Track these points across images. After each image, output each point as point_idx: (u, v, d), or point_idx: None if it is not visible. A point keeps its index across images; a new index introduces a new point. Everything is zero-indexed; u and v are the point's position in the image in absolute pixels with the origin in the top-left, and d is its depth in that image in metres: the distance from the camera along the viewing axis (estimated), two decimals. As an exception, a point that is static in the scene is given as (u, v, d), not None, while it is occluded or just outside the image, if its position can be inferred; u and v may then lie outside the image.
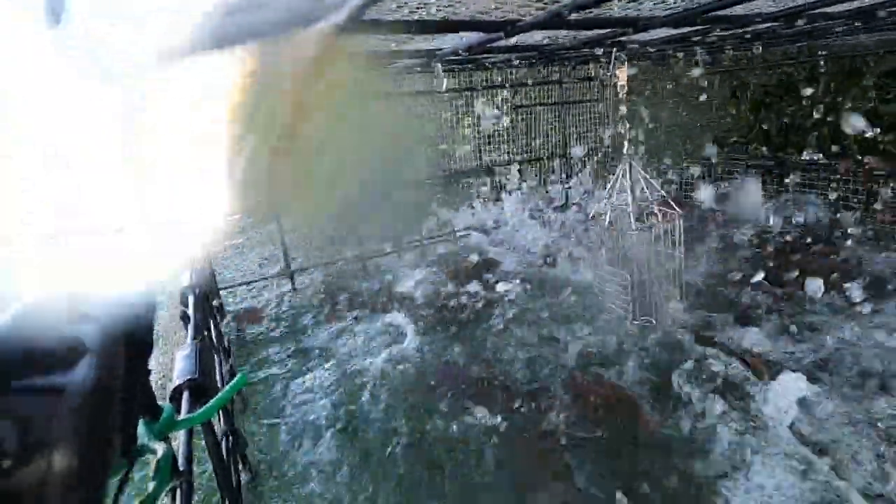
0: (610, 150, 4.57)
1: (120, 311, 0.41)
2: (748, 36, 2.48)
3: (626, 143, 2.58)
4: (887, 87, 2.96)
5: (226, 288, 3.52)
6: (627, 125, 2.57)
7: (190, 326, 1.59)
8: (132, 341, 0.44)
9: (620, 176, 2.57)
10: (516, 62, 3.07)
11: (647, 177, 2.53)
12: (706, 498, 1.88)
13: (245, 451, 2.09)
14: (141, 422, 0.57)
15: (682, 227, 2.53)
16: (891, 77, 2.92)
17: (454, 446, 2.26)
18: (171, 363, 1.33)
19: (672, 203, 2.54)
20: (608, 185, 2.65)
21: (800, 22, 2.02)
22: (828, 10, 1.83)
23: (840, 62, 3.12)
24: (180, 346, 1.36)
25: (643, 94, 4.41)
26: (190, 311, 1.71)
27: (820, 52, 3.14)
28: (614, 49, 2.45)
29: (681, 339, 2.81)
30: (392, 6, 1.36)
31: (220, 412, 1.69)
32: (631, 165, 2.55)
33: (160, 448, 0.57)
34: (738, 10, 1.76)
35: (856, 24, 2.15)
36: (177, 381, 1.20)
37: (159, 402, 0.61)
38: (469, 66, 3.14)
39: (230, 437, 1.63)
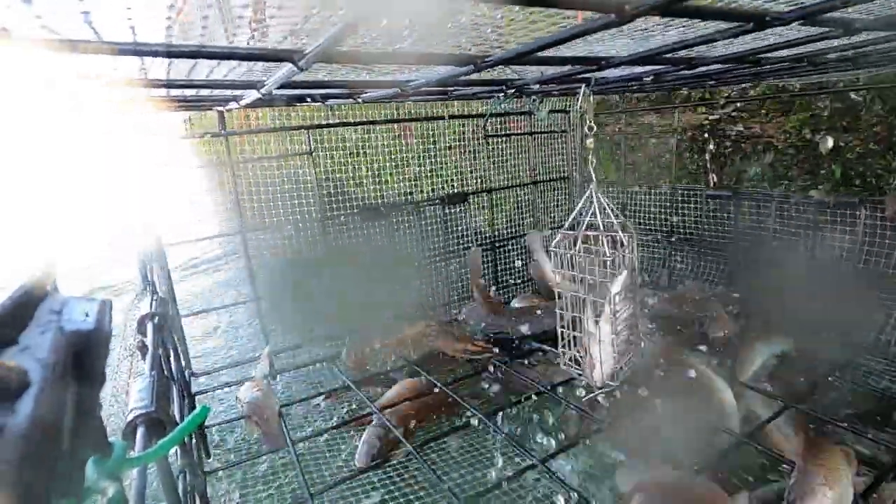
0: (576, 178, 4.75)
1: (69, 339, 0.38)
2: (703, 77, 2.62)
3: (592, 172, 2.65)
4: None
5: (188, 315, 3.39)
6: (593, 159, 2.65)
7: (148, 356, 1.52)
8: (82, 371, 0.42)
9: (585, 203, 2.63)
10: (490, 94, 3.16)
11: (609, 204, 2.60)
12: None
13: (204, 490, 1.98)
14: (90, 460, 0.54)
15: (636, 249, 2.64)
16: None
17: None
18: (126, 396, 1.25)
19: (630, 228, 2.63)
20: (572, 214, 2.70)
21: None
22: (775, 54, 1.96)
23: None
24: (136, 378, 1.29)
25: (612, 142, 4.79)
26: (148, 341, 1.64)
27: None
28: (583, 85, 2.54)
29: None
30: (365, 39, 1.39)
31: (178, 448, 1.60)
32: (595, 194, 2.61)
33: (111, 488, 0.53)
34: (693, 52, 1.87)
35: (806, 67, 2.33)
36: (131, 415, 1.12)
37: (111, 438, 0.58)
38: (442, 97, 3.21)
39: (188, 476, 1.54)
